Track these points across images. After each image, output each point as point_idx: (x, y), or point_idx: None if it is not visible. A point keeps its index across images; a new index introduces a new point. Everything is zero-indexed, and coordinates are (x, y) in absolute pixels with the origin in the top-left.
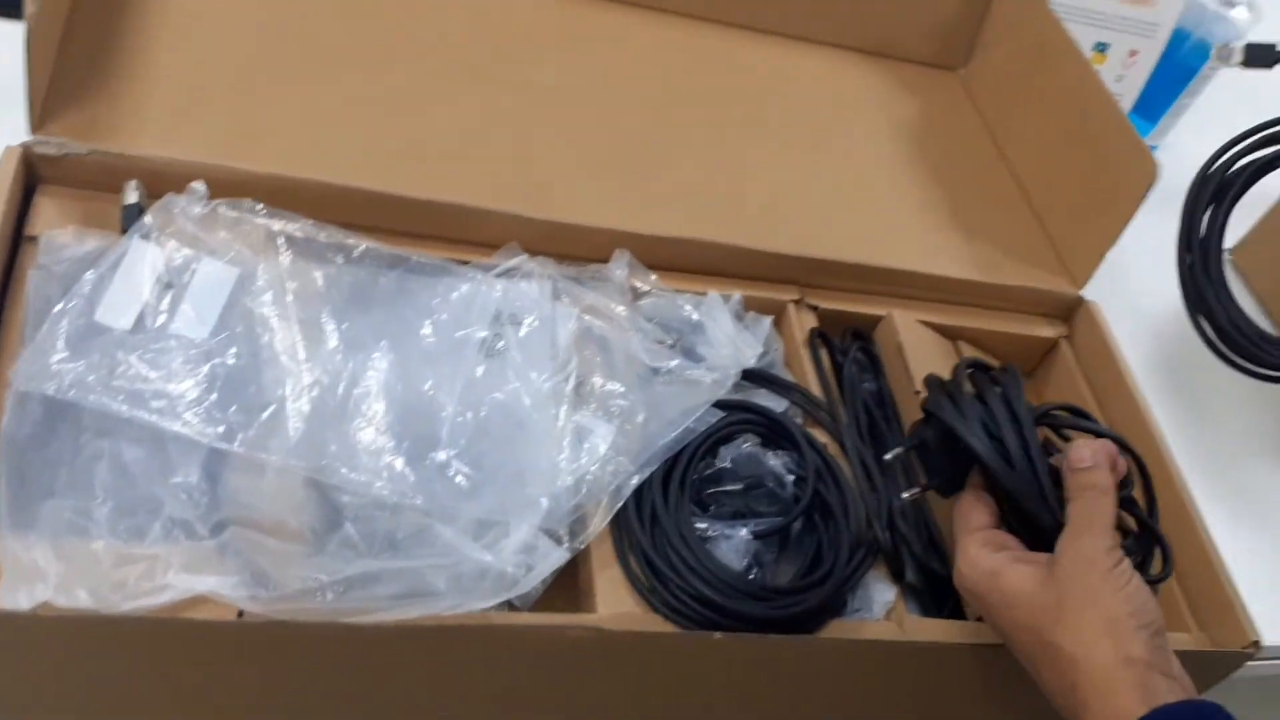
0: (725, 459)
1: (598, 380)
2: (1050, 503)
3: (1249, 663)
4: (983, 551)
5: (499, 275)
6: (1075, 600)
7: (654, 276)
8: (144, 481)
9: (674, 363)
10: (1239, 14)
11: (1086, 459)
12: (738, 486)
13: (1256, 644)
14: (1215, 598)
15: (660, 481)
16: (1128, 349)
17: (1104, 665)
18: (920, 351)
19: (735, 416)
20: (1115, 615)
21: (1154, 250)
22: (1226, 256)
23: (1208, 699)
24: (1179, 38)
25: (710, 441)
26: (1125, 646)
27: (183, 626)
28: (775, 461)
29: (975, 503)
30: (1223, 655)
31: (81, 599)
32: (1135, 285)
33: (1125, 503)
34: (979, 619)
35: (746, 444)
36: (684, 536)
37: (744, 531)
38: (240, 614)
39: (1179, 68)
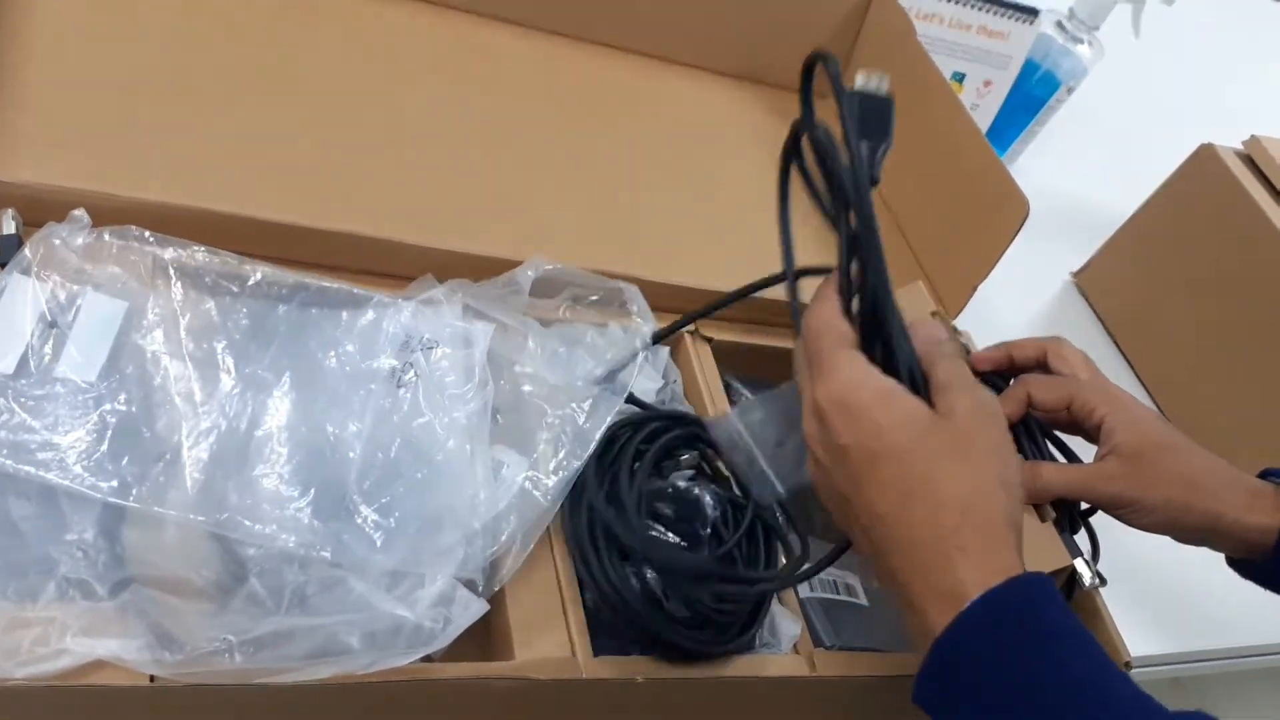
0: (669, 478)
1: (508, 411)
2: (913, 350)
3: None
4: (870, 368)
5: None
6: (979, 448)
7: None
8: (35, 539)
9: (579, 380)
10: (1083, 49)
11: (937, 330)
12: (669, 512)
13: (1129, 664)
14: (1090, 619)
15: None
16: None
17: (995, 519)
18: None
19: (681, 431)
20: (1009, 479)
21: (1010, 278)
22: (1070, 279)
23: None
24: (1029, 69)
25: (655, 454)
26: (1013, 511)
27: (86, 694)
28: (707, 499)
29: (839, 318)
30: None
31: None
32: (998, 315)
33: None
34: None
35: (686, 473)
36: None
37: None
38: (152, 679)
39: (1028, 97)
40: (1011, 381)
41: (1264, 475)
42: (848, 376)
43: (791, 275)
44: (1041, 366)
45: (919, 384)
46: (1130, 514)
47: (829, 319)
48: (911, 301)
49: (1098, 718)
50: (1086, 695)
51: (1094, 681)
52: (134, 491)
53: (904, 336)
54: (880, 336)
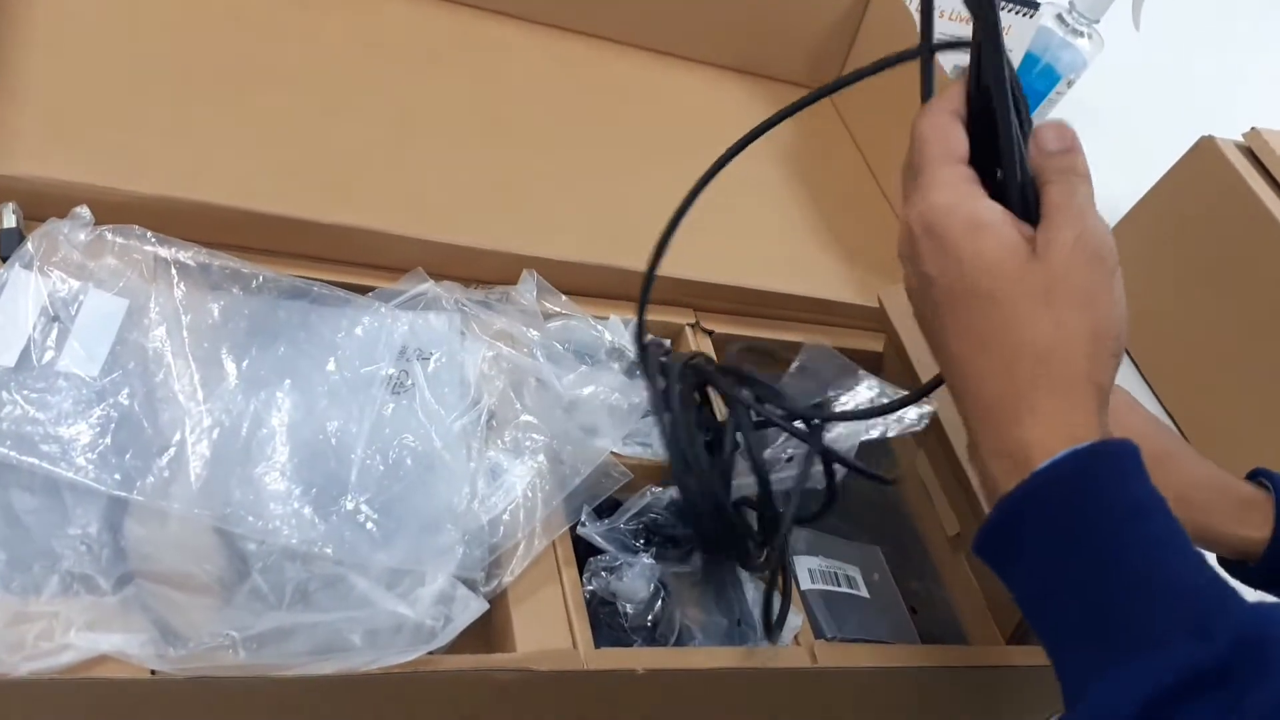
0: None
1: (509, 414)
2: (1027, 169)
3: None
4: (973, 189)
5: (405, 305)
6: (1071, 293)
7: (564, 298)
8: (39, 532)
9: (587, 390)
10: (1083, 42)
11: (1058, 140)
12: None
13: None
14: None
15: None
16: None
17: (1076, 375)
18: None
19: None
20: (1102, 330)
21: None
22: None
23: None
24: (1029, 62)
25: None
26: (1098, 368)
27: (90, 687)
28: None
29: (954, 126)
30: None
31: None
32: None
33: None
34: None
35: None
36: None
37: (646, 558)
38: (153, 672)
39: (1029, 90)
40: None
41: (1253, 476)
42: (943, 198)
43: (927, 50)
44: None
45: (1031, 207)
46: None
47: (942, 126)
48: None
49: (1153, 609)
50: (1147, 583)
51: (1156, 565)
52: (137, 485)
53: (1017, 150)
54: (994, 149)
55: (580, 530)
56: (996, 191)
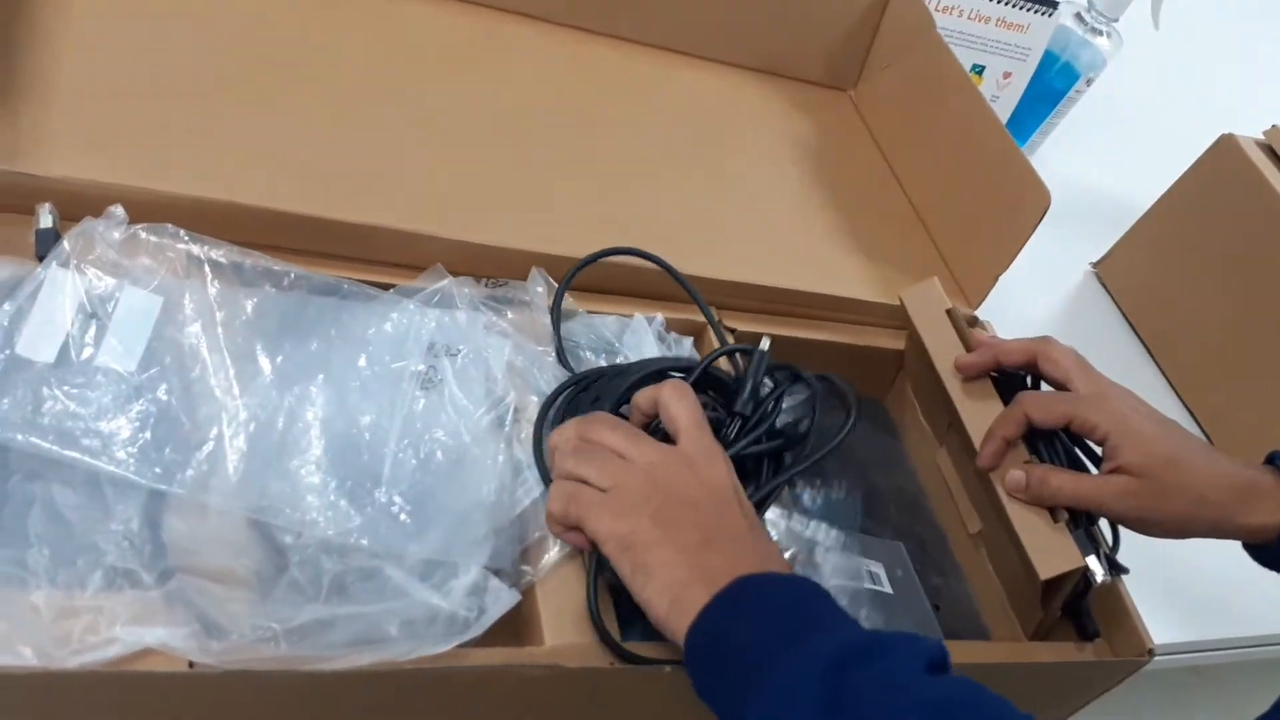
0: None
1: (533, 409)
2: None
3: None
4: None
5: (428, 300)
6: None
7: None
8: (82, 528)
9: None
10: (1102, 41)
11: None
12: None
13: (1151, 652)
14: (1114, 608)
15: None
16: None
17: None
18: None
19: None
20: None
21: (1031, 268)
22: (1090, 270)
23: None
24: (1048, 61)
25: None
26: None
27: (137, 679)
28: None
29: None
30: (1122, 663)
31: (25, 655)
32: (1018, 305)
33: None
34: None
35: None
36: None
37: None
38: (191, 665)
39: (1048, 89)
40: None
41: (1272, 459)
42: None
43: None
44: (1031, 368)
45: None
46: (1138, 526)
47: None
48: (926, 298)
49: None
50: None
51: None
52: (177, 478)
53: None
54: None
55: None
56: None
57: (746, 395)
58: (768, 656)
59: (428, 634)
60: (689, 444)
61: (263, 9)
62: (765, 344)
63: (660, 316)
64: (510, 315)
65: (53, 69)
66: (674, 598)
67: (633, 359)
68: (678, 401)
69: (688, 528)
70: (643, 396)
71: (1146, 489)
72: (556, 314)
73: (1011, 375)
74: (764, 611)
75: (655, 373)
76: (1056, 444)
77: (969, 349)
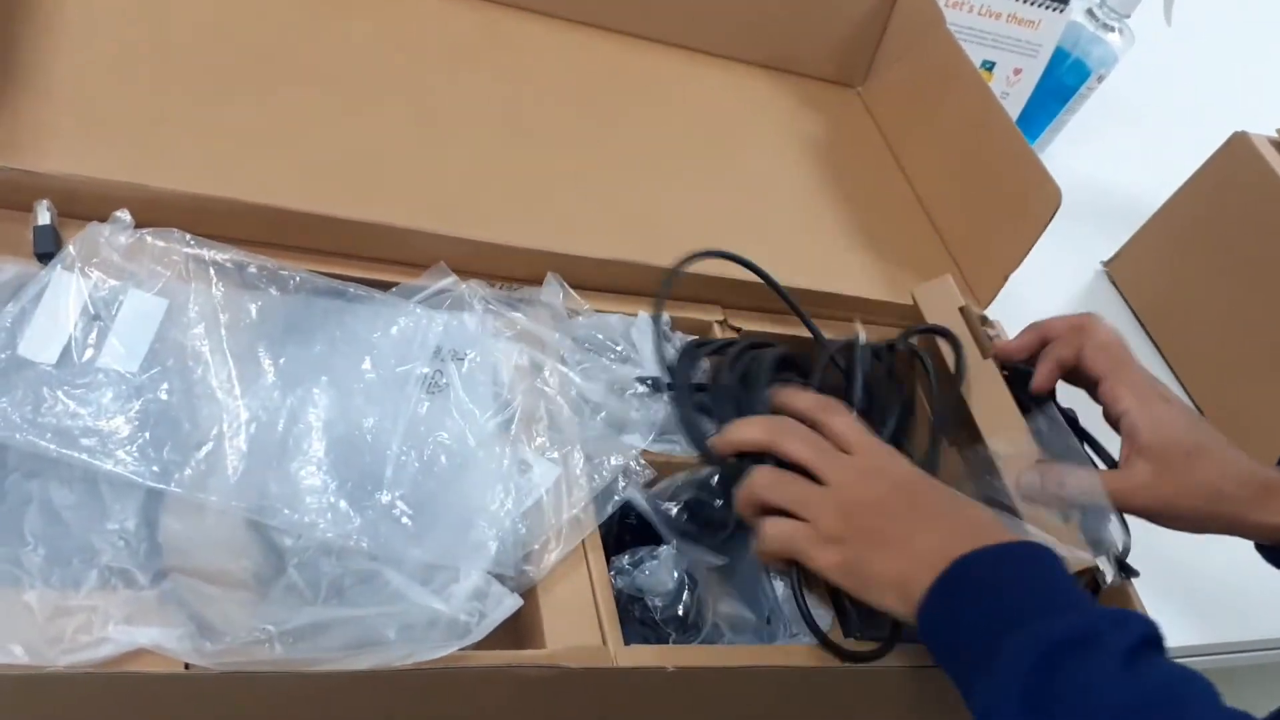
0: None
1: (539, 413)
2: None
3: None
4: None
5: (428, 300)
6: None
7: (586, 305)
8: (78, 527)
9: (616, 388)
10: (1114, 37)
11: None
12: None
13: None
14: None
15: None
16: None
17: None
18: None
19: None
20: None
21: (1041, 266)
22: (1101, 268)
23: None
24: (1059, 57)
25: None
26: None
27: (129, 680)
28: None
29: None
30: None
31: (16, 654)
32: (1028, 304)
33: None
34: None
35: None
36: None
37: (668, 549)
38: (187, 666)
39: (1059, 85)
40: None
41: None
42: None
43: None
44: (1077, 335)
45: None
46: (1154, 520)
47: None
48: (939, 295)
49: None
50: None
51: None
52: (175, 478)
53: None
54: None
55: (624, 493)
56: None
57: (859, 390)
58: (983, 649)
59: (426, 638)
60: (864, 452)
61: (266, 3)
62: (862, 336)
63: (666, 315)
64: (520, 319)
65: (52, 63)
66: (901, 594)
67: (643, 356)
68: (837, 417)
69: (892, 528)
70: (793, 409)
71: (1163, 483)
72: (658, 327)
73: (1024, 373)
74: (977, 599)
75: (783, 356)
76: (1057, 412)
77: (982, 347)
